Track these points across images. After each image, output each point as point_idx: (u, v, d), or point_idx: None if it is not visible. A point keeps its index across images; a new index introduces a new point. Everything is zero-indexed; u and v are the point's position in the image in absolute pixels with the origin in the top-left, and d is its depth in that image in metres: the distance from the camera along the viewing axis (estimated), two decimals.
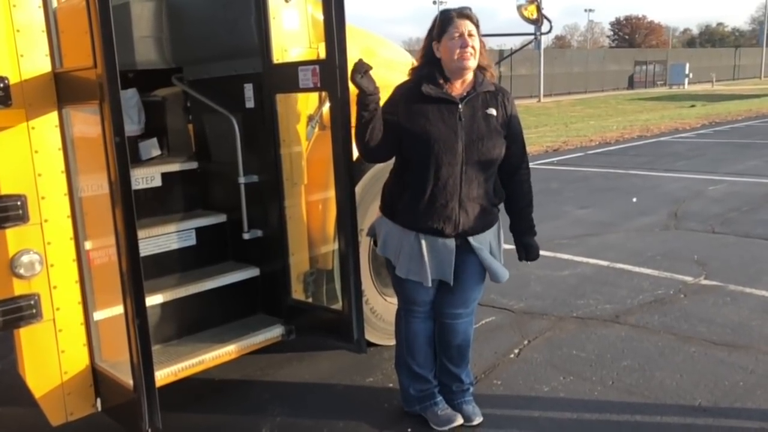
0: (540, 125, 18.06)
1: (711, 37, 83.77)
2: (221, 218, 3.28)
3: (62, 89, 2.35)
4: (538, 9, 4.78)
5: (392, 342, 3.43)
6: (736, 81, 49.46)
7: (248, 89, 3.08)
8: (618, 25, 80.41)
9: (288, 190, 3.05)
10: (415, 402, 2.81)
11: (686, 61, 43.98)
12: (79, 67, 2.22)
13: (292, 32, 3.01)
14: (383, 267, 3.46)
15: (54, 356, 2.44)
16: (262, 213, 3.14)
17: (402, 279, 2.64)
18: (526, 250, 2.72)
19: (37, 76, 2.31)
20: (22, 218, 2.30)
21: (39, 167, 2.34)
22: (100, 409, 2.57)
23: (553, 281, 4.66)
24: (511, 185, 2.69)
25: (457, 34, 2.48)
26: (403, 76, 2.70)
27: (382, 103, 2.54)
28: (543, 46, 33.17)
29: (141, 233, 2.32)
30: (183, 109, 3.53)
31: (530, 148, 12.35)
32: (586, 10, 64.72)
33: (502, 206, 2.72)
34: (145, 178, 3.13)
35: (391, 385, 3.15)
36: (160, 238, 3.05)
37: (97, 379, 2.54)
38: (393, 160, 2.69)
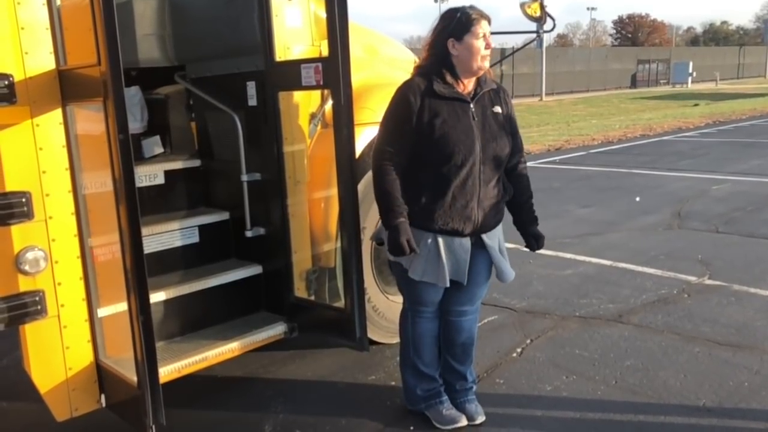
0: (542, 124, 18.05)
1: (715, 36, 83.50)
2: (224, 216, 3.28)
3: (66, 86, 2.35)
4: (542, 7, 4.78)
5: (394, 340, 3.43)
6: (741, 80, 49.34)
7: (251, 87, 3.08)
8: (621, 24, 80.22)
9: (290, 188, 3.06)
10: (420, 401, 2.81)
11: (690, 59, 43.87)
12: (83, 65, 2.23)
13: (295, 30, 3.01)
14: (385, 265, 3.46)
15: (59, 352, 2.45)
16: (265, 211, 3.15)
17: (413, 281, 2.60)
18: (536, 239, 2.75)
19: (41, 74, 2.32)
20: (27, 215, 2.31)
21: (43, 164, 2.34)
22: (104, 405, 2.59)
23: (556, 280, 4.65)
24: (512, 180, 2.71)
25: (482, 34, 2.48)
26: (405, 74, 2.70)
27: (384, 103, 2.53)
28: (545, 44, 33.09)
29: (144, 230, 2.33)
30: (186, 106, 3.54)
31: (532, 147, 12.39)
32: (588, 9, 64.52)
33: None
34: (148, 175, 3.14)
35: (393, 383, 3.15)
36: (163, 236, 3.06)
37: (102, 375, 2.55)
38: None
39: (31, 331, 2.39)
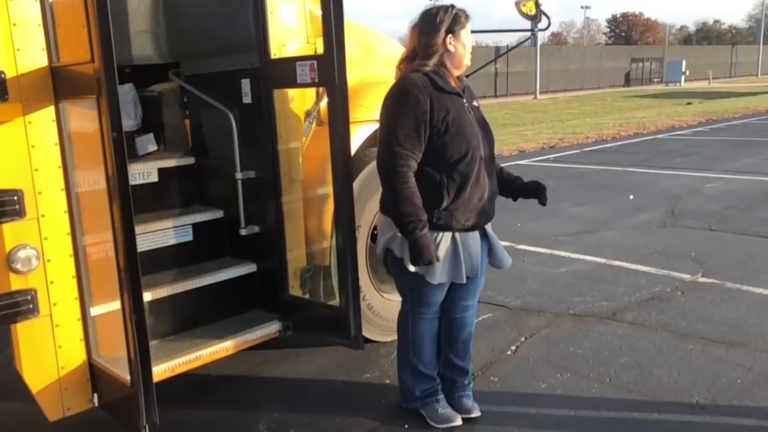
0: (536, 122, 18.08)
1: (708, 35, 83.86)
2: (218, 214, 3.27)
3: (59, 84, 2.33)
4: (537, 5, 4.78)
5: (389, 338, 3.44)
6: (733, 78, 49.56)
7: (245, 84, 3.07)
8: (614, 22, 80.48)
9: (285, 186, 3.05)
10: (416, 399, 2.81)
11: (683, 58, 44.06)
12: (76, 62, 2.21)
13: (290, 27, 2.99)
14: (380, 263, 3.46)
15: (51, 351, 2.43)
16: (260, 209, 3.14)
17: (420, 284, 2.57)
18: (537, 189, 2.81)
19: (33, 71, 2.30)
20: (19, 213, 2.29)
21: (36, 162, 2.32)
22: (97, 404, 2.57)
23: (550, 278, 4.66)
24: None
25: (470, 31, 2.54)
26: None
27: (379, 101, 2.52)
28: (539, 42, 33.18)
29: (137, 229, 2.31)
30: (180, 104, 3.52)
31: (527, 145, 12.41)
32: (582, 7, 64.94)
33: None
34: (142, 173, 3.12)
35: (388, 381, 3.15)
36: (157, 234, 3.04)
37: (94, 374, 2.53)
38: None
39: (23, 330, 2.37)
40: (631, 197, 7.37)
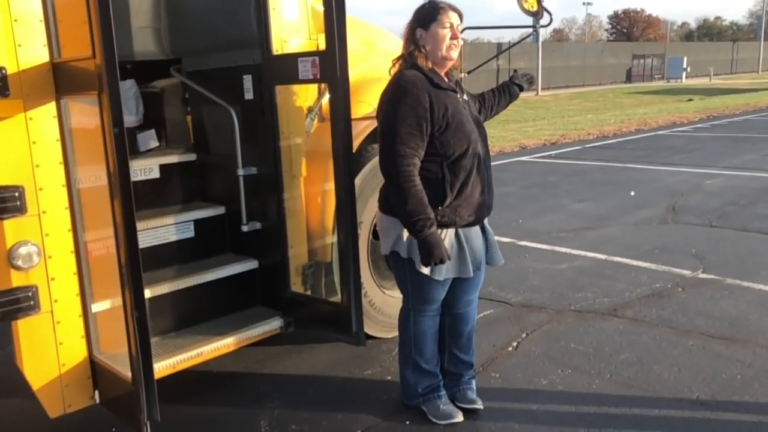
0: (538, 118, 18.06)
1: (709, 31, 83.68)
2: (220, 210, 3.27)
3: (60, 80, 2.33)
4: (539, 1, 4.75)
5: (390, 334, 3.44)
6: (734, 75, 49.46)
7: (247, 81, 3.06)
8: (616, 19, 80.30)
9: (287, 183, 3.04)
10: (418, 396, 2.81)
11: (684, 54, 43.94)
12: (77, 58, 2.20)
13: (292, 23, 2.99)
14: (381, 260, 3.46)
15: (52, 348, 2.43)
16: (261, 205, 3.13)
17: (424, 281, 2.57)
18: (519, 80, 3.05)
19: (35, 67, 2.29)
20: (20, 209, 2.28)
21: (37, 158, 2.32)
22: (98, 401, 2.56)
23: (551, 274, 4.66)
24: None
25: (448, 24, 2.49)
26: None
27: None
28: (541, 39, 33.11)
29: (139, 225, 2.31)
30: (181, 100, 3.51)
31: (528, 141, 12.39)
32: (584, 4, 64.74)
33: None
34: (144, 169, 3.12)
35: (389, 377, 3.15)
36: (159, 230, 3.04)
37: (96, 371, 2.53)
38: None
39: (23, 327, 2.37)
40: (632, 193, 7.36)
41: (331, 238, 3.08)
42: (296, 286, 3.13)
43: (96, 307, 2.53)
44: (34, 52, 2.29)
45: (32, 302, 2.35)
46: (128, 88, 3.28)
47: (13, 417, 2.95)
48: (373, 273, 3.43)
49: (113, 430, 2.75)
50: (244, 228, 3.14)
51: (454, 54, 2.53)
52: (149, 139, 3.35)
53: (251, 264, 3.20)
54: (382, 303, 3.44)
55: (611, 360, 3.30)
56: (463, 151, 2.46)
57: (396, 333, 2.93)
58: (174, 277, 2.98)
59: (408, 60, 2.52)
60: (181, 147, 3.41)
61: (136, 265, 2.18)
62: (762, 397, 2.90)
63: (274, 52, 2.89)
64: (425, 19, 2.50)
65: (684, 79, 40.46)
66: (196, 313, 3.07)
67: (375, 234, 3.30)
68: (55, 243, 2.39)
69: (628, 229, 5.89)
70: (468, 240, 2.57)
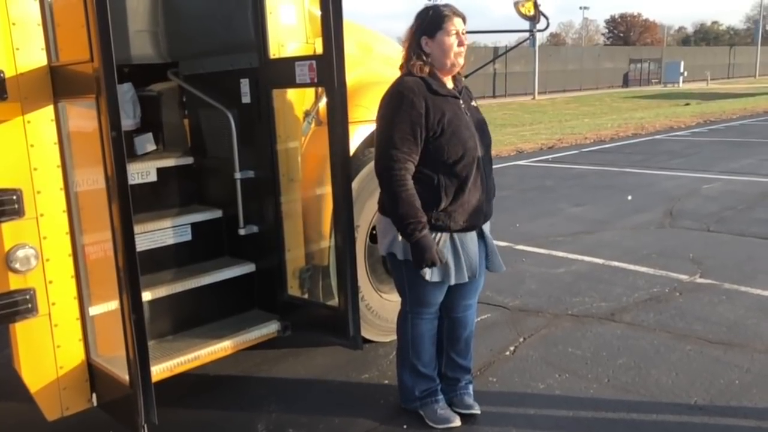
0: (535, 122, 18.09)
1: (706, 36, 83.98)
2: (217, 214, 3.27)
3: (58, 83, 2.33)
4: (536, 6, 4.77)
5: (388, 338, 3.44)
6: (731, 79, 49.63)
7: (244, 84, 3.06)
8: (613, 23, 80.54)
9: (284, 186, 3.04)
10: (415, 399, 2.81)
11: (681, 59, 44.06)
12: (75, 61, 2.21)
13: (289, 27, 2.99)
14: (379, 263, 3.46)
15: (49, 351, 2.43)
16: (258, 208, 3.13)
17: (421, 284, 2.57)
18: None
19: (32, 70, 2.29)
20: (18, 212, 2.28)
21: (35, 161, 2.32)
22: (95, 404, 2.56)
23: (549, 279, 4.66)
24: None
25: (454, 32, 2.49)
26: (399, 72, 2.69)
27: (378, 101, 2.52)
28: (538, 43, 33.18)
29: (136, 228, 2.31)
30: (179, 104, 3.52)
31: (525, 146, 12.41)
32: (581, 8, 64.86)
33: None
34: (141, 173, 3.12)
35: (386, 381, 3.15)
36: (156, 234, 3.04)
37: (93, 374, 2.53)
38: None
39: (21, 330, 2.36)
40: (630, 198, 7.37)
41: (329, 242, 3.09)
42: (293, 289, 3.13)
43: (93, 310, 2.53)
44: (32, 56, 2.29)
45: (30, 305, 2.34)
46: (126, 91, 3.28)
47: (11, 420, 2.94)
48: (370, 277, 3.43)
49: None
50: (242, 231, 3.14)
51: (461, 61, 2.54)
52: (146, 143, 3.36)
53: (248, 267, 3.19)
54: (379, 307, 3.44)
55: (609, 364, 3.30)
56: (459, 158, 2.46)
57: (393, 337, 2.93)
58: (171, 280, 2.98)
59: (409, 68, 2.55)
60: (178, 150, 3.41)
61: (134, 268, 2.18)
62: (760, 402, 2.90)
63: (271, 56, 2.90)
64: (430, 27, 2.50)
65: (681, 84, 40.55)
66: (193, 317, 3.07)
67: (372, 237, 3.30)
68: (52, 246, 2.39)
69: (625, 234, 5.90)
70: (463, 245, 2.57)
